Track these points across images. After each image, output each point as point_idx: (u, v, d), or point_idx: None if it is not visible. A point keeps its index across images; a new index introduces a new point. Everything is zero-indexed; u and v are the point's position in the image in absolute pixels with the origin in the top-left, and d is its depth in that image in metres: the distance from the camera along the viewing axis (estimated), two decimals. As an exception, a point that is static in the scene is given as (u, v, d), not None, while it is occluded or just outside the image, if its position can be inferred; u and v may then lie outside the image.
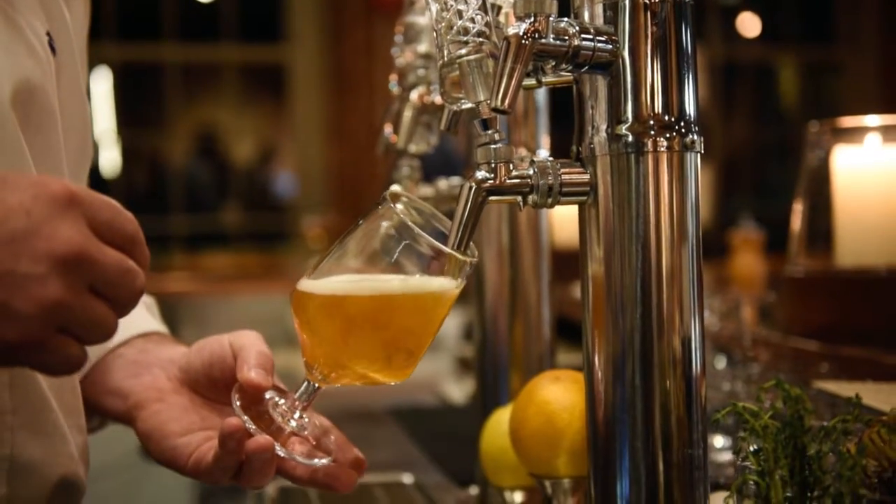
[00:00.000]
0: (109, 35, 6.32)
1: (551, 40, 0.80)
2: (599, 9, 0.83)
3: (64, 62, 0.95)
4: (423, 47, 1.24)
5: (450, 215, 0.84)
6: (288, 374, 1.22)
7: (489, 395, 1.27)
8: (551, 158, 0.84)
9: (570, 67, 0.82)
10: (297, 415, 0.91)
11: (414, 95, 1.23)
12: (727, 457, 1.29)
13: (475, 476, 1.26)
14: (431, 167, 1.38)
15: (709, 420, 0.85)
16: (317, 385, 0.90)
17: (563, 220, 1.63)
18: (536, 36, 0.78)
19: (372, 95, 6.19)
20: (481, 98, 0.83)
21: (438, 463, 1.50)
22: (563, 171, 0.83)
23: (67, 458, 0.92)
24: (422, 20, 1.24)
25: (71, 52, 0.97)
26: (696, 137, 0.83)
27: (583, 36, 0.81)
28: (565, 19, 0.81)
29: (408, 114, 1.23)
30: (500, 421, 1.10)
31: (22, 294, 0.67)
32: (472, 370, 1.93)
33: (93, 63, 1.09)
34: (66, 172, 0.94)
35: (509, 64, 0.78)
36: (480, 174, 0.82)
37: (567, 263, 1.38)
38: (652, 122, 0.82)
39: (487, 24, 0.83)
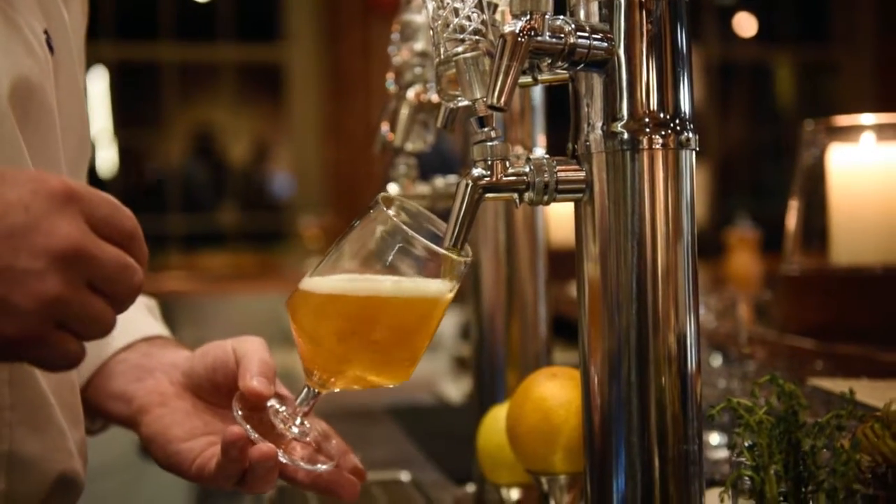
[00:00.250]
0: (106, 34, 6.32)
1: (547, 38, 0.80)
2: (595, 7, 0.84)
3: (62, 61, 0.95)
4: (419, 45, 1.24)
5: (446, 213, 0.85)
6: (286, 373, 1.22)
7: (486, 394, 1.27)
8: (547, 156, 0.85)
9: (565, 65, 0.83)
10: (298, 421, 0.92)
11: (410, 94, 1.24)
12: (723, 454, 1.30)
13: (472, 473, 1.27)
14: (427, 166, 1.39)
15: (704, 416, 0.85)
16: (317, 391, 0.91)
17: (559, 220, 1.64)
18: (532, 34, 0.79)
19: (369, 95, 6.20)
20: (478, 95, 0.83)
21: (436, 461, 1.51)
22: (558, 168, 0.84)
23: (66, 453, 0.92)
24: (418, 18, 1.25)
25: (69, 51, 0.97)
26: (691, 135, 0.84)
27: (578, 34, 0.81)
28: (561, 17, 0.82)
29: (404, 112, 1.24)
30: (496, 418, 1.10)
31: (20, 289, 0.67)
32: (469, 369, 1.93)
33: (89, 62, 1.09)
34: (64, 171, 0.94)
35: (505, 61, 0.78)
36: (477, 171, 0.83)
37: (563, 263, 1.39)
38: (647, 120, 0.82)
39: (484, 22, 0.84)
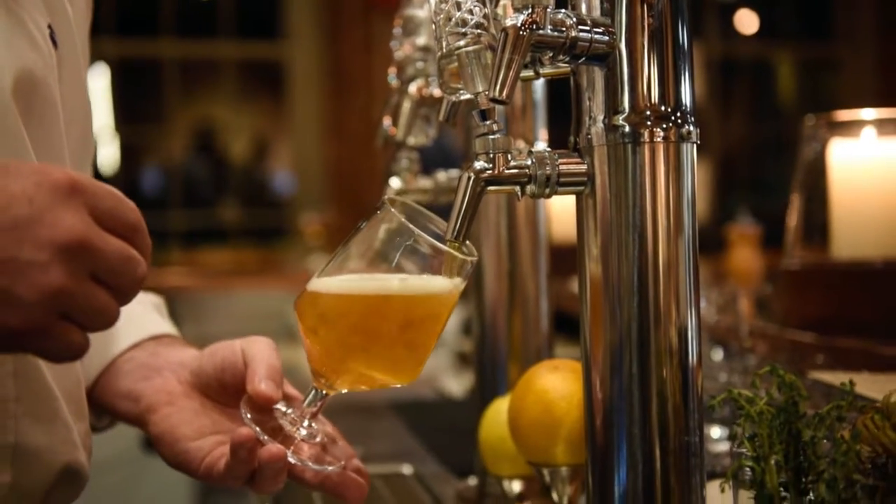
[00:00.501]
0: (107, 31, 6.32)
1: (549, 31, 0.80)
2: (596, 0, 0.84)
3: (65, 55, 0.95)
4: (421, 40, 1.25)
5: (448, 208, 0.85)
6: (290, 370, 1.22)
7: (487, 388, 1.28)
8: (549, 149, 0.85)
9: (567, 59, 0.83)
10: (305, 423, 0.92)
11: (412, 88, 1.24)
12: (724, 447, 1.30)
13: (474, 467, 1.27)
14: (429, 162, 1.39)
15: (705, 409, 0.85)
16: (324, 392, 0.92)
17: (561, 215, 1.64)
18: (534, 27, 0.79)
19: (370, 92, 6.20)
20: (479, 89, 0.83)
21: (437, 454, 1.51)
22: (560, 161, 0.84)
23: (70, 445, 0.92)
24: (420, 13, 1.25)
25: (73, 45, 0.98)
26: (692, 128, 0.84)
27: (580, 27, 0.82)
28: (562, 10, 0.82)
29: (406, 106, 1.24)
30: (498, 410, 1.11)
31: (24, 281, 0.67)
32: (470, 364, 1.94)
33: (90, 59, 1.10)
34: (67, 165, 0.95)
35: (507, 55, 0.79)
36: (479, 164, 0.83)
37: (565, 258, 1.39)
38: (648, 113, 0.82)
39: (486, 16, 0.84)
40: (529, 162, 0.84)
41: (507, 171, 0.83)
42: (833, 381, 1.09)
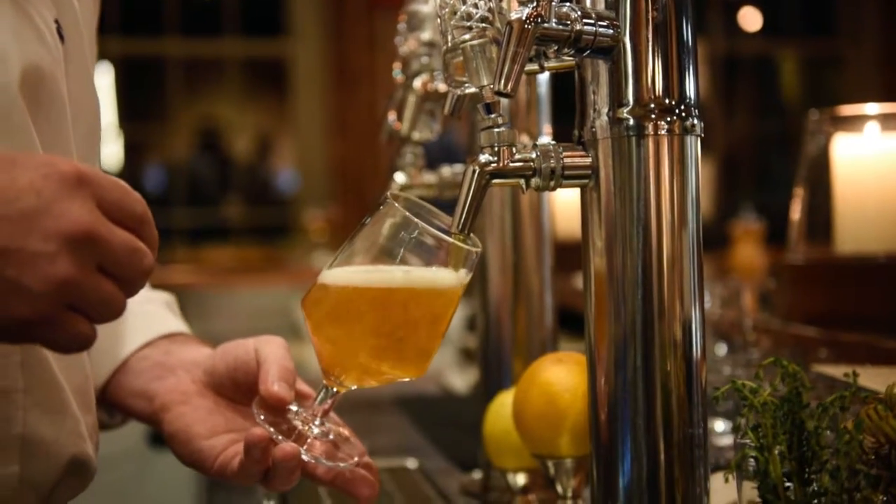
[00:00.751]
0: (112, 30, 6.33)
1: (553, 25, 0.81)
2: (601, -6, 0.84)
3: (72, 50, 0.96)
4: (426, 35, 1.25)
5: (452, 204, 0.86)
6: (296, 366, 1.23)
7: (492, 382, 1.28)
8: (553, 142, 0.85)
9: (572, 52, 0.83)
10: (317, 421, 0.93)
11: (417, 83, 1.24)
12: (727, 441, 1.31)
13: (478, 460, 1.28)
14: (433, 159, 1.39)
15: (709, 401, 0.86)
16: (335, 390, 0.92)
17: (564, 212, 1.64)
18: (539, 20, 0.80)
19: (374, 90, 6.21)
20: (485, 82, 0.84)
21: (442, 449, 1.52)
22: (565, 154, 0.85)
23: (78, 437, 0.93)
24: (425, 8, 1.25)
25: (80, 40, 0.98)
26: (696, 121, 0.84)
27: (584, 20, 0.82)
28: (567, 4, 0.83)
29: (411, 100, 1.25)
30: (503, 404, 1.11)
31: (32, 271, 0.68)
32: (474, 361, 1.94)
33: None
34: (75, 159, 0.95)
35: (512, 48, 0.79)
36: (484, 157, 0.83)
37: (568, 254, 1.40)
38: (653, 106, 0.83)
39: (490, 10, 0.85)
40: (534, 155, 0.84)
41: (511, 164, 0.84)
42: (836, 375, 1.09)
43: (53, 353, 0.90)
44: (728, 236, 3.47)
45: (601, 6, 0.84)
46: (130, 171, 7.00)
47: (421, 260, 0.86)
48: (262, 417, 0.91)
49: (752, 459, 0.77)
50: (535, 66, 0.87)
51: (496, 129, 0.83)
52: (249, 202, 7.13)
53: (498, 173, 0.84)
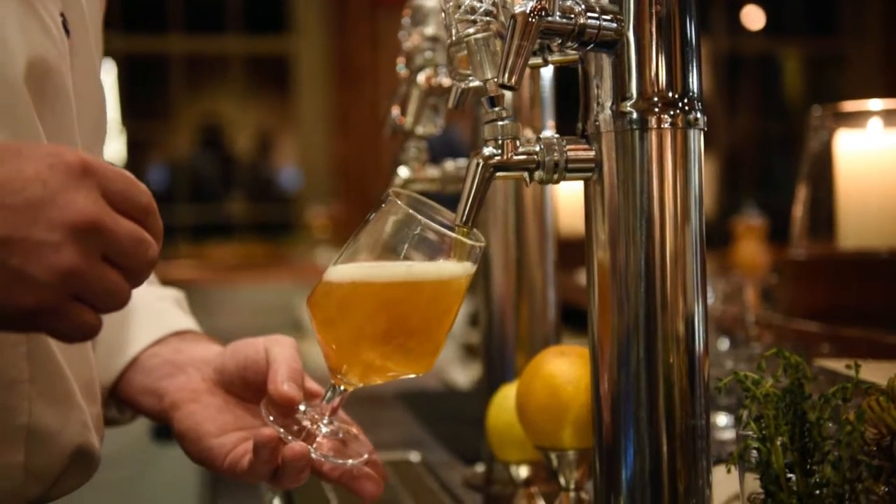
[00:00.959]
0: (115, 27, 6.34)
1: (557, 18, 0.81)
2: (604, -13, 0.85)
3: (78, 44, 0.96)
4: (430, 30, 1.25)
5: (456, 198, 0.86)
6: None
7: (495, 377, 1.29)
8: (557, 136, 0.86)
9: (575, 45, 0.84)
10: (326, 419, 0.93)
11: (421, 77, 1.25)
12: (730, 435, 1.31)
13: (481, 454, 1.28)
14: (435, 156, 1.40)
15: (711, 394, 0.86)
16: (342, 388, 0.92)
17: (567, 208, 1.65)
18: (543, 14, 0.80)
19: (376, 87, 6.21)
20: (489, 76, 0.84)
21: (445, 443, 1.52)
22: (568, 147, 0.85)
23: (83, 427, 0.94)
24: (429, 3, 1.26)
25: (85, 33, 0.98)
26: (699, 115, 0.85)
27: (588, 14, 0.82)
28: (571, -2, 0.83)
29: (415, 94, 1.25)
30: (506, 396, 1.12)
31: (37, 261, 0.68)
32: (477, 356, 1.94)
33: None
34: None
35: (516, 41, 0.80)
36: (488, 150, 0.84)
37: (571, 251, 1.40)
38: (656, 100, 0.83)
39: (495, 4, 0.85)
40: (538, 148, 0.84)
41: (515, 158, 0.84)
42: (838, 368, 1.09)
43: (59, 344, 0.91)
44: (731, 234, 3.48)
45: (605, 0, 0.84)
46: (133, 168, 7.01)
47: (424, 256, 0.86)
48: (272, 418, 0.91)
49: (754, 450, 0.77)
50: (538, 60, 0.88)
51: (500, 123, 0.84)
52: (252, 199, 7.14)
53: (502, 166, 0.84)
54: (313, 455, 0.90)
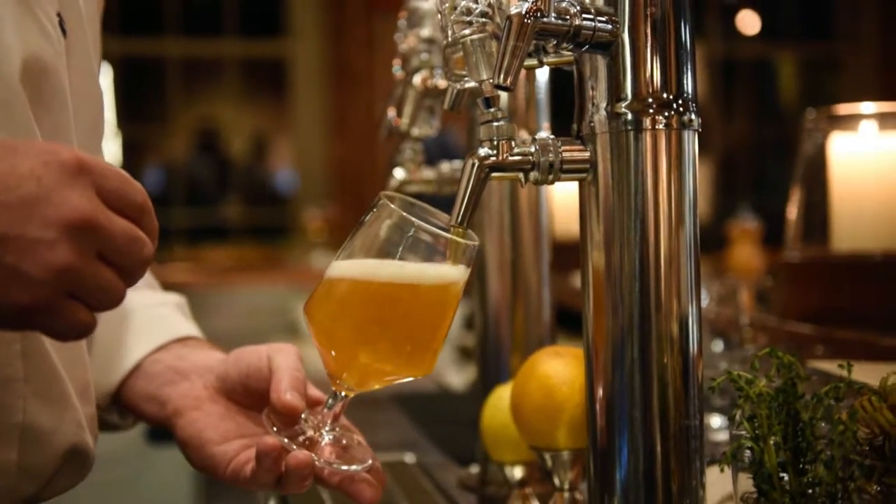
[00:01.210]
0: (111, 29, 6.34)
1: (553, 19, 0.81)
2: (599, -11, 0.85)
3: (74, 43, 0.96)
4: (426, 32, 1.26)
5: (451, 199, 0.86)
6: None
7: (490, 378, 1.29)
8: (552, 136, 0.86)
9: (570, 47, 0.84)
10: (328, 427, 0.94)
11: (417, 79, 1.25)
12: (724, 436, 1.32)
13: (475, 455, 1.29)
14: (430, 159, 1.40)
15: (705, 395, 0.86)
16: (343, 394, 0.93)
17: (562, 211, 1.65)
18: (538, 15, 0.80)
19: (372, 90, 6.22)
20: (484, 77, 0.84)
21: (439, 444, 1.52)
22: (563, 148, 0.85)
23: (77, 426, 0.94)
24: (425, 5, 1.26)
25: (82, 34, 0.98)
26: (693, 116, 0.85)
27: (584, 16, 0.83)
28: (566, -1, 0.83)
29: (411, 96, 1.25)
30: (501, 397, 1.12)
31: (31, 258, 0.68)
32: (472, 359, 1.95)
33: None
34: None
35: (512, 42, 0.80)
36: (483, 151, 0.84)
37: (566, 254, 1.40)
38: (650, 101, 0.83)
39: (490, 5, 0.85)
40: (533, 149, 0.85)
41: (510, 158, 0.84)
42: (832, 370, 1.10)
43: (54, 344, 0.91)
44: (725, 238, 3.49)
45: (600, 1, 0.85)
46: (129, 171, 6.91)
47: (419, 258, 0.86)
48: (275, 428, 0.91)
49: (747, 450, 0.77)
50: (534, 61, 0.88)
51: (495, 123, 0.84)
52: (248, 202, 7.14)
53: (497, 167, 0.84)
54: (317, 463, 0.90)
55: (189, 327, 1.13)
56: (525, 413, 0.99)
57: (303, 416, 0.94)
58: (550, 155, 0.85)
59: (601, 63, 0.85)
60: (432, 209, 0.91)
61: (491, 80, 0.83)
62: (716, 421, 1.36)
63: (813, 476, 0.74)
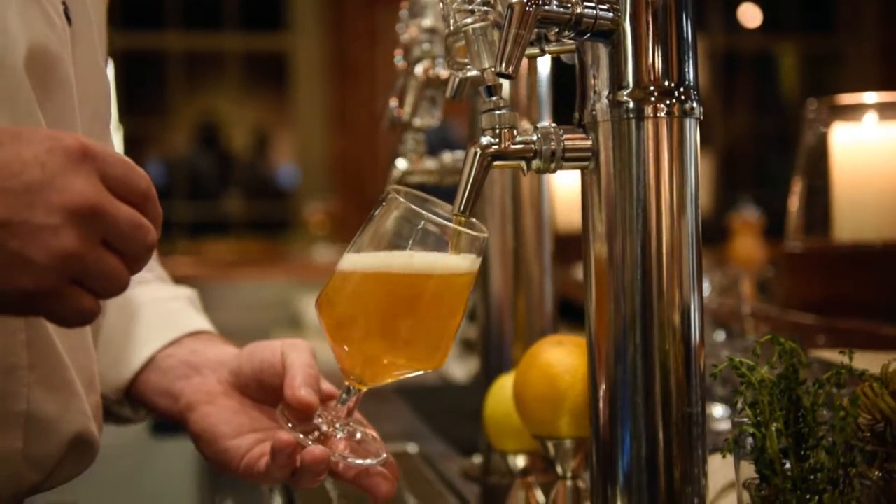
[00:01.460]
0: (113, 23, 6.31)
1: (554, 7, 0.82)
2: (601, -23, 0.85)
3: (80, 32, 0.96)
4: (427, 22, 1.26)
5: (452, 191, 0.86)
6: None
7: (492, 369, 1.29)
8: (554, 125, 0.86)
9: (572, 35, 0.84)
10: (342, 421, 0.94)
11: (419, 69, 1.25)
12: (725, 425, 1.32)
13: (478, 446, 1.29)
14: (431, 151, 1.40)
15: (708, 384, 0.87)
16: (356, 389, 0.93)
17: (564, 203, 1.65)
18: (540, 3, 0.80)
19: (374, 84, 6.21)
20: (486, 65, 0.85)
21: (442, 435, 1.53)
22: (565, 136, 0.85)
23: (81, 414, 0.94)
24: (426, -4, 1.26)
25: (88, 23, 0.99)
26: (695, 104, 0.85)
27: (585, 4, 0.83)
28: (568, -14, 0.83)
29: (413, 86, 1.25)
30: (503, 386, 1.12)
31: (36, 244, 0.68)
32: (474, 351, 1.95)
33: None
34: None
35: (513, 30, 0.80)
36: (485, 139, 0.84)
37: (568, 246, 1.40)
38: (652, 89, 0.84)
39: (492, -6, 0.85)
40: (535, 137, 0.85)
41: (513, 147, 0.84)
42: (833, 359, 1.10)
43: (59, 333, 0.91)
44: (727, 230, 3.49)
45: (601, -11, 0.85)
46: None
47: (430, 249, 0.86)
48: (290, 424, 0.92)
49: (749, 436, 0.78)
50: (535, 50, 0.88)
51: (497, 112, 0.84)
52: (249, 196, 7.14)
53: (499, 155, 0.84)
54: (332, 458, 0.91)
55: (201, 322, 1.13)
56: (527, 402, 0.99)
57: (317, 411, 0.95)
58: (552, 143, 0.85)
59: (603, 51, 0.85)
60: (440, 202, 0.91)
61: (493, 69, 0.83)
62: (718, 411, 1.36)
63: (815, 462, 0.75)
